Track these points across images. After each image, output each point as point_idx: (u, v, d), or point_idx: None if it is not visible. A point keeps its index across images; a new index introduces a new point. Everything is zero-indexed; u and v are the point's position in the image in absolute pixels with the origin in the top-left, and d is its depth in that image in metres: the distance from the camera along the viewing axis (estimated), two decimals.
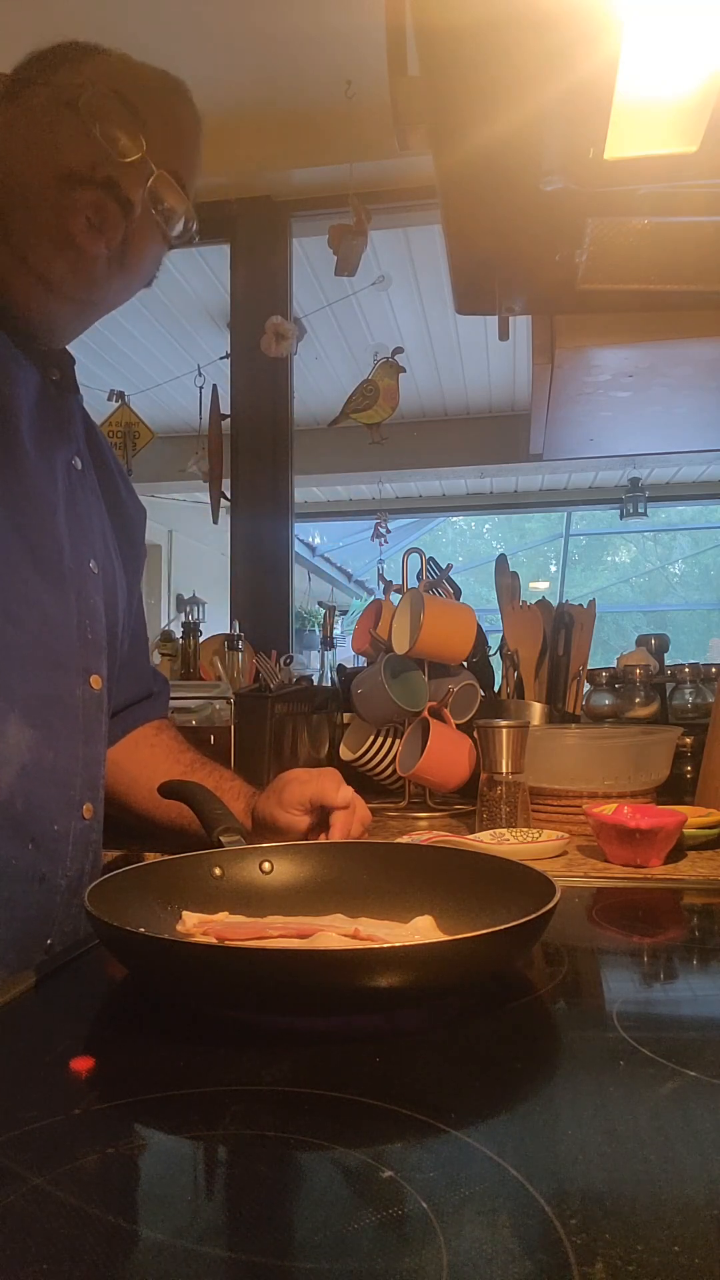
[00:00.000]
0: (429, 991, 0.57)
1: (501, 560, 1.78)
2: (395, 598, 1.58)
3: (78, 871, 0.87)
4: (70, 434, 0.93)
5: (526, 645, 1.67)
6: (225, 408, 2.28)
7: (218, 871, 0.78)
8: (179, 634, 1.89)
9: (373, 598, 2.26)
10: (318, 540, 7.30)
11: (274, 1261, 0.34)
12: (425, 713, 1.39)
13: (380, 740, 1.52)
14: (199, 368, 2.72)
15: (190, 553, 6.08)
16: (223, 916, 0.72)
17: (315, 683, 1.82)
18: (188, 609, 2.18)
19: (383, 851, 0.86)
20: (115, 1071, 0.51)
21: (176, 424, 3.96)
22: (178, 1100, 0.47)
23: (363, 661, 1.72)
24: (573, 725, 1.60)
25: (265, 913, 0.74)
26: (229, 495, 2.28)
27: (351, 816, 0.94)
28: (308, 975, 0.54)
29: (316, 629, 2.31)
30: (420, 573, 1.63)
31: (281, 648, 1.99)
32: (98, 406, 2.21)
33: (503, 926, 0.57)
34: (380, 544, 3.91)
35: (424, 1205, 0.37)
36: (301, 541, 6.68)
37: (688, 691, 1.64)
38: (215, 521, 2.29)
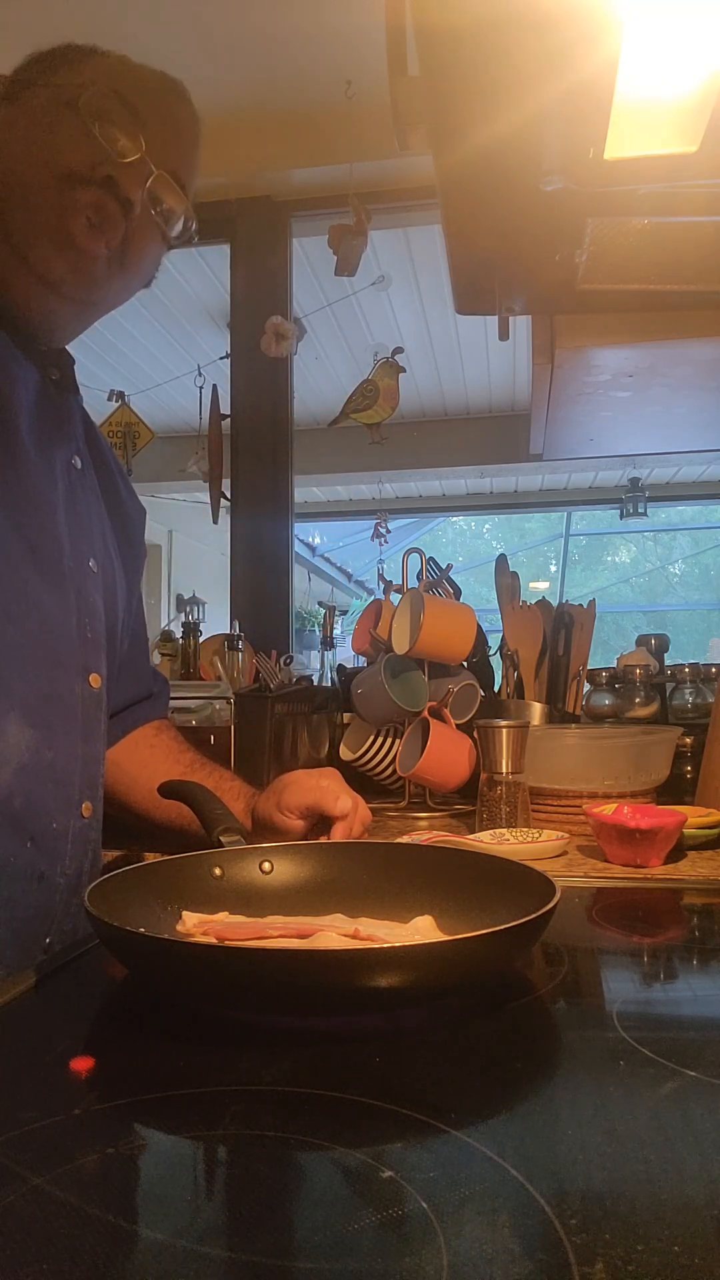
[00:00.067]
0: (429, 991, 0.57)
1: (501, 560, 1.78)
2: (395, 598, 1.58)
3: (77, 870, 0.87)
4: (70, 433, 0.93)
5: (526, 645, 1.67)
6: (225, 408, 2.28)
7: (218, 871, 0.78)
8: (179, 634, 1.89)
9: (373, 598, 2.26)
10: (318, 540, 7.30)
11: (274, 1261, 0.34)
12: (425, 713, 1.39)
13: (380, 740, 1.52)
14: (199, 368, 2.72)
15: (190, 553, 6.08)
16: (223, 916, 0.72)
17: (315, 683, 1.82)
18: (188, 609, 2.18)
19: (383, 851, 0.86)
20: (115, 1071, 0.51)
21: (176, 424, 3.96)
22: (178, 1100, 0.47)
23: (363, 661, 1.72)
24: (573, 725, 1.60)
25: (265, 913, 0.74)
26: (229, 495, 2.28)
27: (351, 825, 0.94)
28: (308, 975, 0.54)
29: (316, 629, 2.31)
30: (420, 573, 1.63)
31: (281, 648, 1.99)
32: (98, 406, 2.21)
33: (503, 926, 0.57)
34: (380, 544, 3.91)
35: (424, 1205, 0.37)
36: (301, 541, 6.69)
37: (688, 691, 1.64)
38: (215, 521, 2.29)
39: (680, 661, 1.70)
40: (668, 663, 1.73)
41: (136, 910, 0.69)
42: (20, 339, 0.87)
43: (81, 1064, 0.50)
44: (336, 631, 2.21)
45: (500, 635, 1.71)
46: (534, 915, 0.59)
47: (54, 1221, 0.36)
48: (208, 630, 1.99)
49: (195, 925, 0.69)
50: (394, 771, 1.48)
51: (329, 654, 2.03)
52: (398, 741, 1.49)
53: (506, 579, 1.74)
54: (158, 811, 1.03)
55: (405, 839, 1.09)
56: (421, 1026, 0.57)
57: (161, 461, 3.10)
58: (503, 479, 5.94)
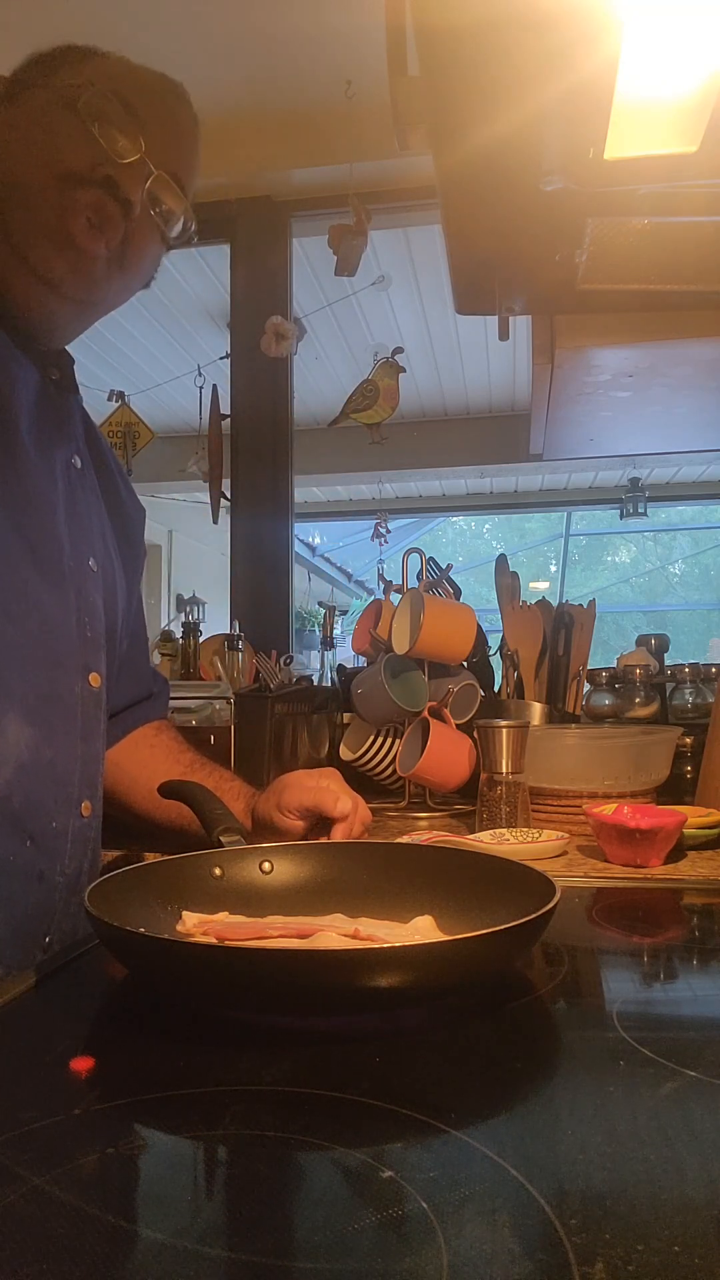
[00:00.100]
0: (429, 991, 0.57)
1: (501, 560, 1.78)
2: (395, 598, 1.58)
3: (76, 869, 0.87)
4: (70, 433, 0.93)
5: (526, 645, 1.67)
6: (225, 408, 2.28)
7: (218, 871, 0.78)
8: (179, 634, 1.89)
9: (373, 598, 2.26)
10: (318, 540, 7.30)
11: (274, 1261, 0.34)
12: (425, 713, 1.39)
13: (380, 740, 1.52)
14: (199, 368, 2.72)
15: (190, 553, 6.08)
16: (223, 916, 0.72)
17: (315, 683, 1.82)
18: (188, 609, 2.18)
19: (383, 851, 0.86)
20: (115, 1071, 0.51)
21: (176, 424, 3.96)
22: (178, 1100, 0.47)
23: (363, 661, 1.72)
24: (573, 725, 1.60)
25: (265, 913, 0.74)
26: (229, 495, 2.28)
27: (351, 825, 0.94)
28: (308, 975, 0.54)
29: (316, 629, 2.31)
30: (420, 573, 1.63)
31: (281, 648, 1.99)
32: (98, 406, 2.21)
33: (503, 926, 0.57)
34: (380, 544, 3.91)
35: (424, 1205, 0.37)
36: (301, 541, 6.68)
37: (688, 691, 1.64)
38: (215, 521, 2.29)
39: (680, 661, 1.70)
40: (668, 663, 1.73)
41: (136, 910, 0.69)
42: (20, 339, 0.87)
43: (81, 1064, 0.50)
44: (336, 631, 2.21)
45: (500, 635, 1.71)
46: (534, 915, 0.59)
47: (54, 1221, 0.36)
48: (208, 630, 1.99)
49: (195, 925, 0.69)
50: (394, 771, 1.48)
51: (329, 654, 2.03)
52: (398, 741, 1.49)
53: (506, 579, 1.74)
54: (158, 811, 1.03)
55: (405, 839, 1.09)
56: (421, 1026, 0.57)
57: (161, 461, 3.10)
58: (503, 479, 5.94)
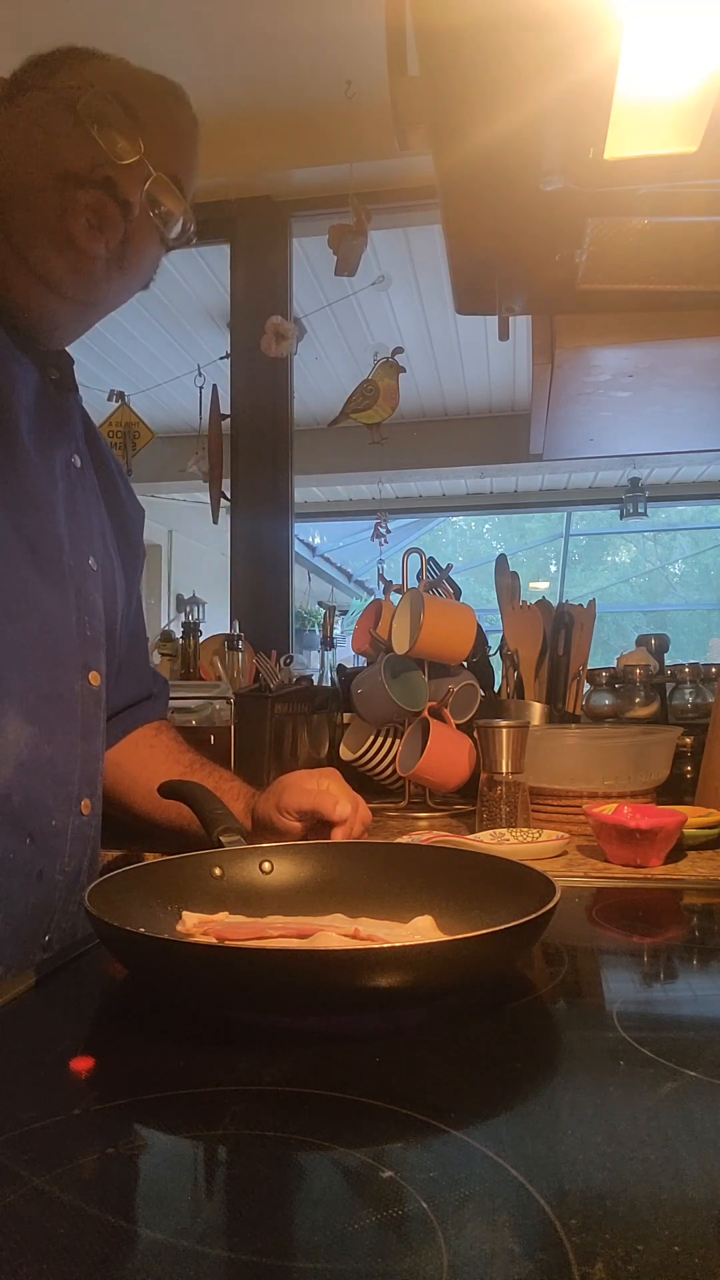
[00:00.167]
0: (429, 991, 0.57)
1: (501, 560, 1.78)
2: (395, 598, 1.58)
3: (76, 868, 0.87)
4: (69, 432, 0.94)
5: (526, 645, 1.67)
6: (225, 408, 2.28)
7: (218, 871, 0.78)
8: (179, 634, 1.89)
9: (373, 598, 2.26)
10: (318, 540, 7.30)
11: (274, 1261, 0.34)
12: (425, 713, 1.39)
13: (380, 740, 1.52)
14: (199, 368, 2.72)
15: (190, 553, 6.08)
16: (223, 916, 0.72)
17: (315, 683, 1.82)
18: (188, 609, 2.18)
19: (383, 851, 0.86)
20: (115, 1071, 0.51)
21: (176, 424, 3.96)
22: (178, 1100, 0.47)
23: (363, 661, 1.72)
24: (573, 725, 1.60)
25: (265, 913, 0.74)
26: (229, 495, 2.28)
27: (351, 827, 0.94)
28: (308, 975, 0.54)
29: (316, 629, 2.31)
30: (420, 573, 1.63)
31: (281, 648, 1.99)
32: (98, 406, 2.21)
33: (503, 926, 0.57)
34: (380, 544, 3.91)
35: (424, 1205, 0.37)
36: (301, 541, 6.68)
37: (688, 691, 1.64)
38: (215, 521, 2.29)
39: (680, 661, 1.70)
40: (668, 663, 1.73)
41: (136, 910, 0.69)
42: (20, 339, 0.87)
43: (81, 1064, 0.50)
44: (336, 631, 2.21)
45: (500, 635, 1.71)
46: (534, 915, 0.59)
47: (54, 1221, 0.36)
48: (208, 630, 1.99)
49: (195, 925, 0.69)
50: (394, 771, 1.48)
51: (329, 654, 2.02)
52: (398, 741, 1.49)
53: (506, 579, 1.74)
54: (158, 812, 1.03)
55: (405, 839, 1.09)
56: (421, 1026, 0.57)
57: (161, 461, 3.10)
58: (503, 479, 5.94)
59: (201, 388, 2.44)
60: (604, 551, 9.57)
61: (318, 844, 0.87)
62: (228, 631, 1.96)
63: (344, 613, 3.98)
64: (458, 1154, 0.41)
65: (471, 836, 1.11)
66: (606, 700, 1.64)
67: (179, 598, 2.69)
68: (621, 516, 5.69)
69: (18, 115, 0.85)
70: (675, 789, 1.36)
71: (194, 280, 3.10)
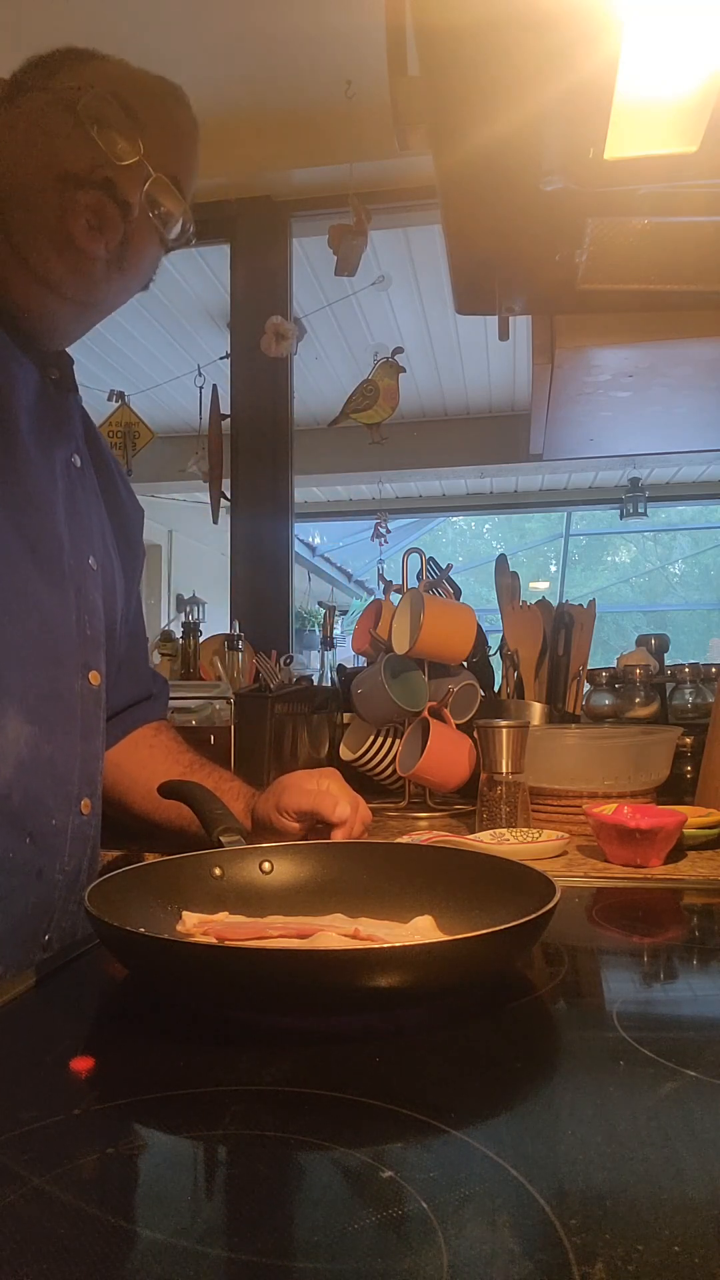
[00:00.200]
0: (429, 991, 0.57)
1: (501, 560, 1.77)
2: (395, 598, 1.58)
3: (75, 867, 0.87)
4: (69, 432, 0.94)
5: (526, 645, 1.67)
6: (225, 408, 2.28)
7: (218, 871, 0.78)
8: (179, 634, 1.88)
9: (373, 598, 2.26)
10: (318, 540, 7.30)
11: (274, 1261, 0.34)
12: (425, 713, 1.39)
13: (380, 740, 1.52)
14: (199, 368, 2.72)
15: (190, 553, 6.08)
16: (223, 916, 0.72)
17: (315, 683, 1.82)
18: (188, 609, 2.18)
19: (383, 851, 0.86)
20: (115, 1071, 0.51)
21: (176, 424, 3.96)
22: (178, 1100, 0.47)
23: (363, 661, 1.72)
24: (573, 725, 1.60)
25: (265, 913, 0.74)
26: (229, 495, 2.28)
27: (351, 828, 0.94)
28: (308, 975, 0.54)
29: (316, 629, 2.31)
30: (420, 573, 1.63)
31: (281, 648, 1.99)
32: (98, 406, 2.21)
33: (503, 926, 0.57)
34: (380, 544, 3.91)
35: (424, 1205, 0.37)
36: (301, 541, 6.68)
37: (688, 691, 1.64)
38: (215, 521, 2.29)
39: (680, 661, 1.70)
40: (668, 663, 1.73)
41: (136, 910, 0.69)
42: (20, 339, 0.87)
43: (81, 1064, 0.50)
44: (336, 631, 2.21)
45: (500, 635, 1.71)
46: (534, 915, 0.59)
47: (54, 1221, 0.36)
48: (208, 630, 1.99)
49: (195, 925, 0.69)
50: (394, 771, 1.48)
51: (329, 654, 2.02)
52: (398, 741, 1.49)
53: (506, 579, 1.74)
54: (157, 812, 1.03)
55: (405, 839, 1.09)
56: (421, 1026, 0.57)
57: (161, 461, 3.10)
58: (503, 479, 5.94)
59: (201, 388, 2.44)
60: (604, 551, 9.57)
61: (318, 844, 0.87)
62: (228, 631, 1.96)
63: (344, 613, 3.98)
64: (458, 1154, 0.41)
65: (471, 836, 1.11)
66: (606, 700, 1.64)
67: (179, 598, 2.69)
68: (621, 516, 5.69)
69: (17, 116, 0.85)
70: (675, 789, 1.36)
71: (194, 280, 3.10)
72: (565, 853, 1.10)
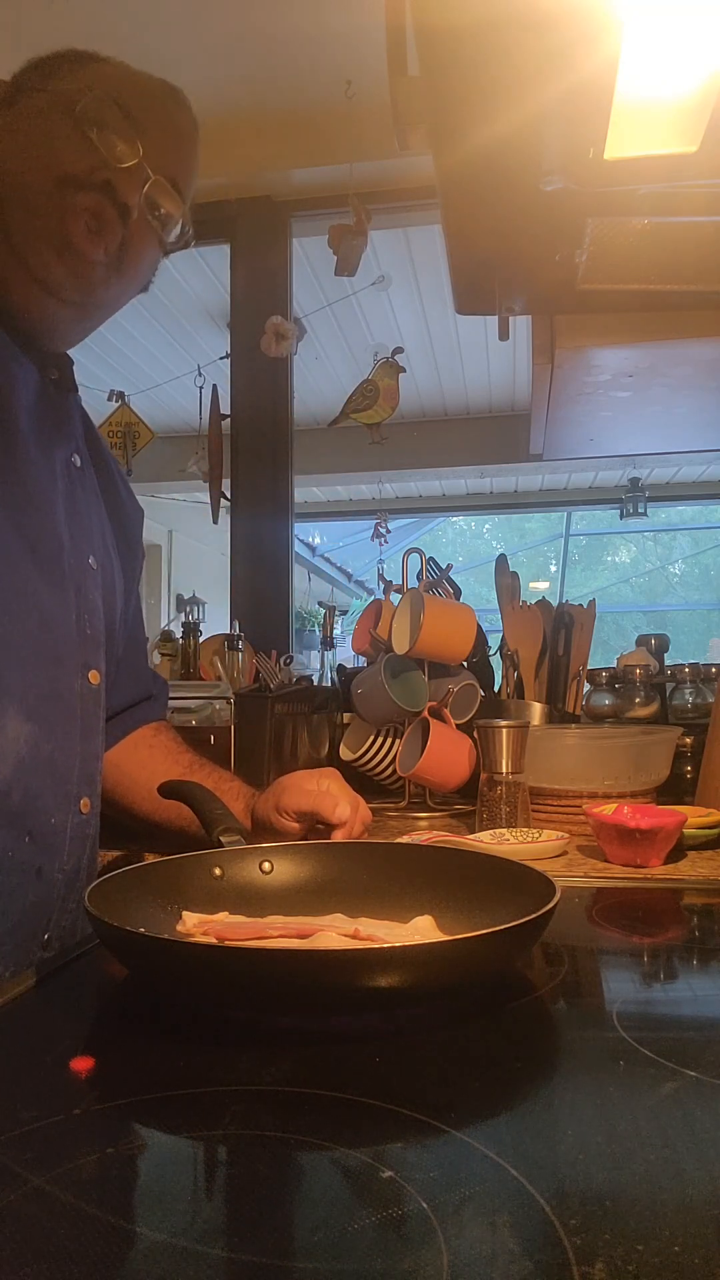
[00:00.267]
0: (429, 991, 0.57)
1: (501, 560, 1.78)
2: (395, 598, 1.58)
3: (75, 866, 0.87)
4: (69, 432, 0.94)
5: (526, 645, 1.67)
6: (225, 408, 2.28)
7: (218, 871, 0.78)
8: (179, 634, 1.88)
9: (373, 598, 2.26)
10: (318, 540, 7.30)
11: (274, 1261, 0.34)
12: (425, 713, 1.39)
13: (380, 740, 1.52)
14: (199, 368, 2.72)
15: (190, 553, 6.08)
16: (223, 916, 0.72)
17: (315, 683, 1.82)
18: (188, 609, 2.18)
19: (383, 851, 0.86)
20: (115, 1071, 0.51)
21: (176, 424, 3.96)
22: (178, 1100, 0.47)
23: (363, 661, 1.72)
24: (573, 725, 1.60)
25: (265, 913, 0.74)
26: (229, 495, 2.28)
27: (351, 829, 0.94)
28: (308, 975, 0.54)
29: (316, 629, 2.31)
30: (420, 573, 1.63)
31: (281, 648, 1.99)
32: (98, 406, 2.21)
33: (503, 926, 0.57)
34: (380, 544, 3.91)
35: (424, 1205, 0.37)
36: (301, 541, 6.68)
37: (688, 691, 1.64)
38: (215, 521, 2.29)
39: (680, 661, 1.70)
40: (668, 663, 1.73)
41: (136, 910, 0.69)
42: (20, 339, 0.87)
43: (81, 1064, 0.50)
44: (336, 631, 2.21)
45: (500, 635, 1.71)
46: (534, 915, 0.59)
47: (54, 1221, 0.36)
48: (208, 630, 1.99)
49: (195, 925, 0.69)
50: (394, 771, 1.48)
51: (329, 654, 2.02)
52: (398, 741, 1.49)
53: (506, 579, 1.74)
54: (157, 812, 1.03)
55: (405, 839, 1.09)
56: (421, 1026, 0.57)
57: (161, 461, 3.10)
58: (503, 479, 5.94)
59: (201, 388, 2.44)
60: (604, 551, 9.57)
61: (318, 844, 0.87)
62: (228, 631, 1.96)
63: (344, 613, 3.98)
64: (458, 1154, 0.41)
65: (471, 836, 1.11)
66: (606, 700, 1.64)
67: (179, 598, 2.68)
68: (621, 516, 5.69)
69: (17, 118, 0.85)
70: (675, 789, 1.36)
71: (194, 280, 3.10)
72: (565, 853, 1.10)
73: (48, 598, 0.85)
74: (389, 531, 3.90)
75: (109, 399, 2.42)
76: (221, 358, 2.43)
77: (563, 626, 1.68)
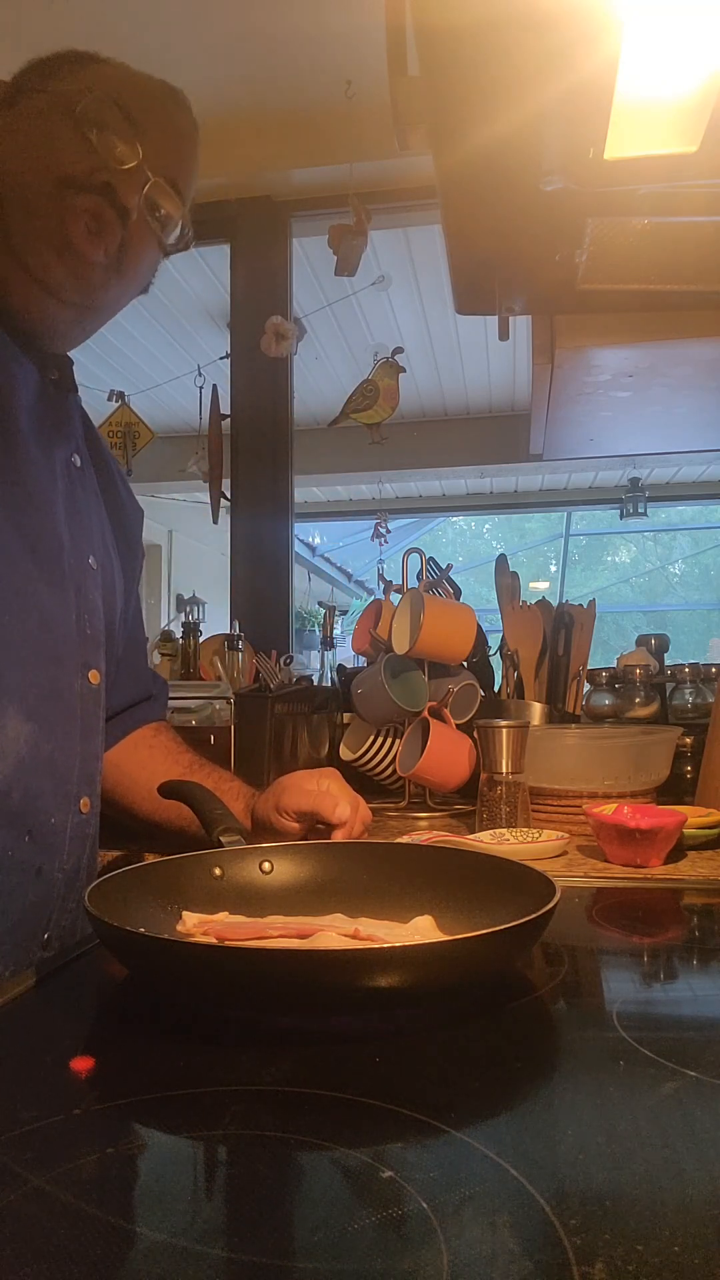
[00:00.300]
0: (429, 991, 0.57)
1: (501, 560, 1.78)
2: (395, 598, 1.58)
3: (74, 865, 0.87)
4: (69, 432, 0.94)
5: (526, 645, 1.67)
6: (225, 408, 2.28)
7: (218, 871, 0.78)
8: (179, 634, 1.88)
9: (373, 598, 2.26)
10: (318, 540, 7.29)
11: (274, 1261, 0.34)
12: (425, 713, 1.39)
13: (380, 740, 1.52)
14: (199, 368, 2.72)
15: (190, 553, 6.08)
16: (223, 916, 0.72)
17: (315, 683, 1.82)
18: (188, 609, 2.18)
19: (383, 851, 0.86)
20: (115, 1071, 0.51)
21: (176, 424, 3.96)
22: (178, 1100, 0.47)
23: (363, 661, 1.72)
24: (573, 725, 1.60)
25: (265, 913, 0.74)
26: (229, 495, 2.28)
27: (351, 829, 0.94)
28: (308, 975, 0.54)
29: (316, 629, 2.31)
30: (420, 573, 1.63)
31: (281, 648, 1.99)
32: (98, 406, 2.21)
33: (503, 926, 0.57)
34: (380, 544, 3.91)
35: (424, 1205, 0.37)
36: (301, 541, 6.68)
37: (688, 691, 1.64)
38: (215, 521, 2.29)
39: (680, 661, 1.70)
40: (668, 663, 1.73)
41: (136, 910, 0.69)
42: (20, 339, 0.87)
43: (81, 1064, 0.50)
44: (336, 631, 2.21)
45: (500, 635, 1.71)
46: (534, 915, 0.59)
47: (54, 1221, 0.36)
48: (208, 630, 1.99)
49: (195, 925, 0.69)
50: (394, 771, 1.48)
51: (329, 654, 2.02)
52: (398, 741, 1.49)
53: (506, 579, 1.74)
54: (157, 812, 1.03)
55: (405, 839, 1.09)
56: (421, 1026, 0.57)
57: (161, 461, 3.10)
58: (503, 479, 5.94)
59: (201, 388, 2.44)
60: (604, 551, 9.57)
61: (318, 844, 0.87)
62: (228, 631, 1.96)
63: (344, 613, 3.98)
64: (458, 1154, 0.41)
65: (471, 836, 1.11)
66: (606, 700, 1.64)
67: (179, 598, 2.68)
68: (621, 516, 5.69)
69: (17, 119, 0.85)
70: (675, 789, 1.36)
71: (194, 280, 3.10)
72: (565, 853, 1.10)
73: (48, 597, 0.85)
74: (389, 531, 3.90)
75: (109, 399, 2.42)
76: (221, 358, 2.43)
77: (563, 626, 1.68)
